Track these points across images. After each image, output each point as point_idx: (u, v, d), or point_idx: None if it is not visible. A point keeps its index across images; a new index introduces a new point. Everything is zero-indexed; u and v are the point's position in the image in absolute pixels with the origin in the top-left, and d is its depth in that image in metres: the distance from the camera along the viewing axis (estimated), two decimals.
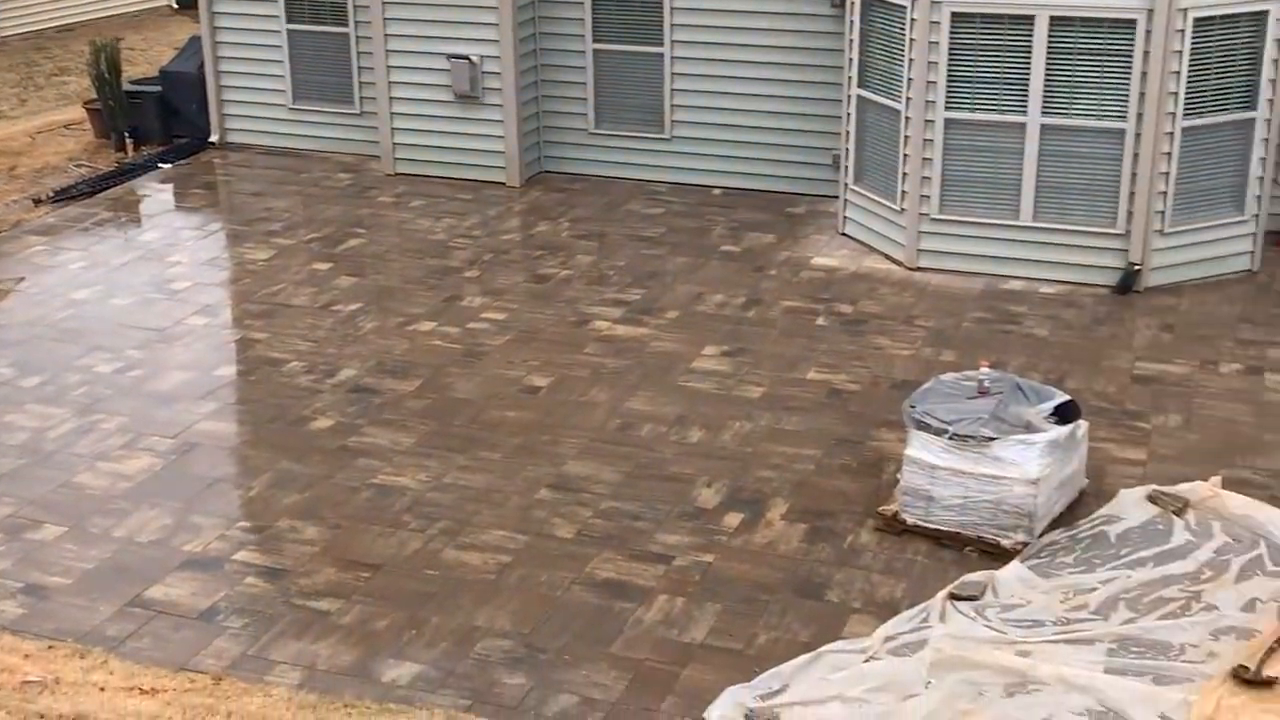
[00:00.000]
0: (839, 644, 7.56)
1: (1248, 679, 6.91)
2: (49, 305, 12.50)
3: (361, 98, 16.48)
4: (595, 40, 15.42)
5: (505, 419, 10.29)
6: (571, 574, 8.32)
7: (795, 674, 7.26)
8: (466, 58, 15.37)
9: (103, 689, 6.74)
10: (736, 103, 15.04)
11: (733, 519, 8.92)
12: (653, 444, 9.90)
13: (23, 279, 13.15)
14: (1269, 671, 6.98)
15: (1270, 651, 7.14)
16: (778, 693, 7.11)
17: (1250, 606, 7.75)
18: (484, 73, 15.40)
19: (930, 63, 12.35)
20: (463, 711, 7.05)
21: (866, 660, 7.34)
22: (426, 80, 15.67)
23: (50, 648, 7.49)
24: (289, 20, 16.60)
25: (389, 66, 15.74)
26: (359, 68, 16.38)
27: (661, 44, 15.15)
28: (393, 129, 15.95)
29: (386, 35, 15.64)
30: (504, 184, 15.64)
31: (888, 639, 7.57)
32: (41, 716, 5.96)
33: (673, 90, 15.29)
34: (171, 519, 8.94)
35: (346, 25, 16.31)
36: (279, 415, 10.40)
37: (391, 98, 15.84)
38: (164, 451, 9.83)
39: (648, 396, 10.63)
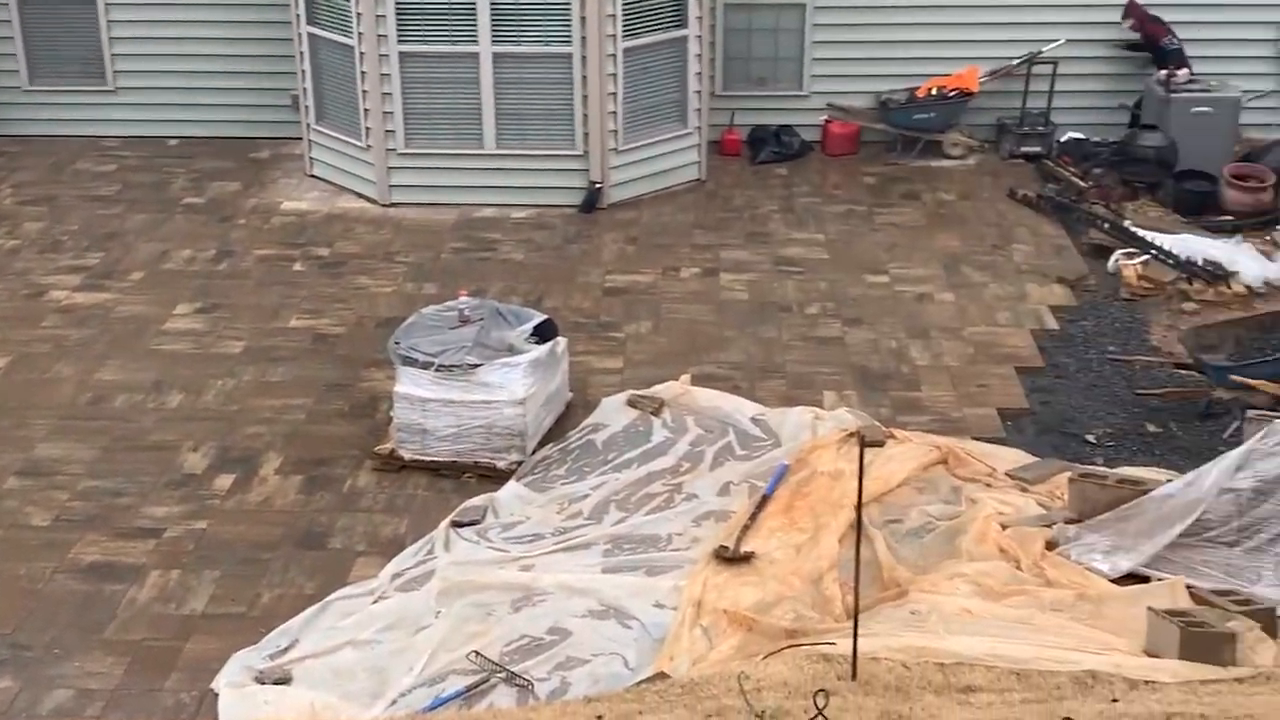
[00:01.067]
0: (346, 590, 7.54)
1: (728, 557, 7.49)
2: None
3: None
4: None
5: None
6: (53, 563, 7.79)
7: (304, 627, 7.18)
8: None
9: None
10: (182, 47, 14.34)
11: (224, 480, 8.65)
12: (129, 414, 9.40)
13: None
14: (746, 547, 7.60)
15: (745, 529, 7.78)
16: (287, 649, 7.01)
17: (725, 490, 8.40)
18: None
19: None
20: None
21: (375, 601, 7.37)
22: None
23: None
24: None
25: None
26: None
27: None
28: None
29: None
30: None
31: (395, 576, 7.63)
32: None
33: (111, 39, 14.36)
34: None
35: None
36: None
37: None
38: None
39: (119, 365, 10.06)
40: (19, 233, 12.40)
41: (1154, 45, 13.54)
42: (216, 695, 6.70)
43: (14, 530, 8.10)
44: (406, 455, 8.83)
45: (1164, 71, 13.27)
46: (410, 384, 8.79)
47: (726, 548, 7.57)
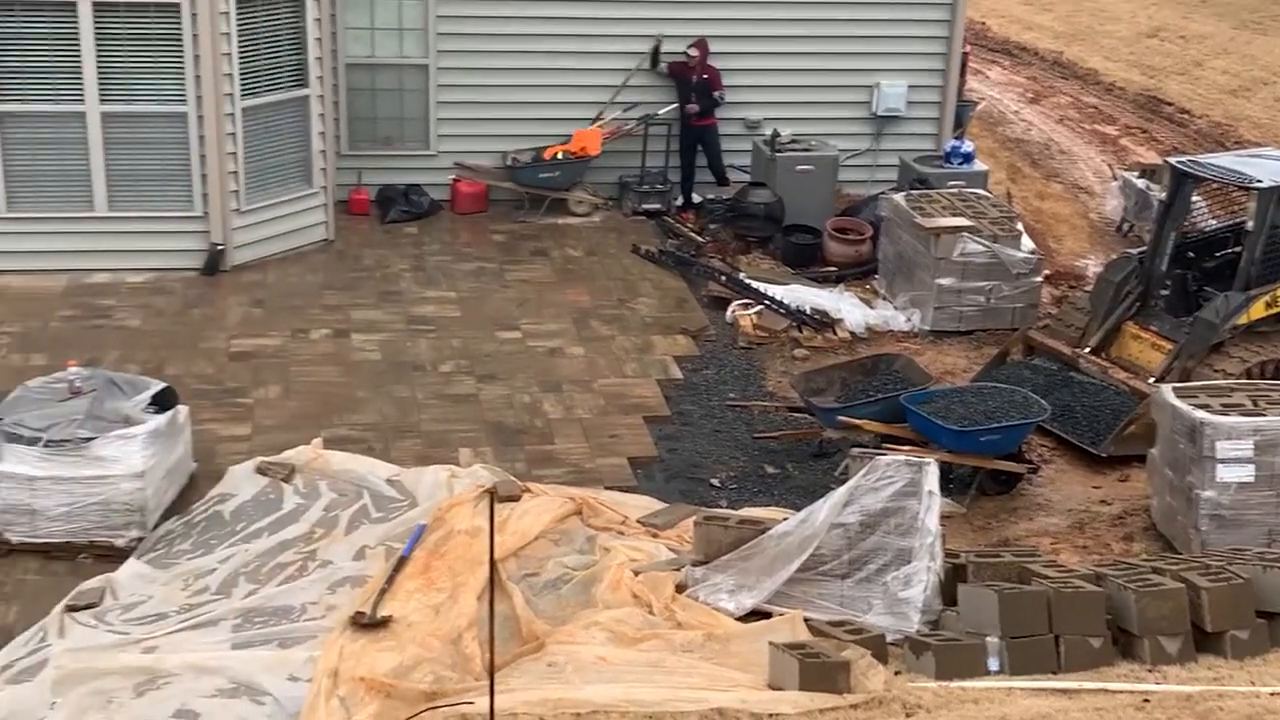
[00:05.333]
0: None
1: (365, 623, 7.39)
2: None
3: None
4: None
5: None
6: None
7: None
8: None
9: None
10: None
11: None
12: None
13: None
14: (384, 611, 7.52)
15: (383, 593, 7.70)
16: None
17: (361, 555, 8.29)
18: None
19: None
20: None
21: None
22: None
23: None
24: None
25: None
26: None
27: None
28: None
29: None
30: None
31: (4, 668, 7.14)
32: None
33: None
34: None
35: None
36: None
37: None
38: None
39: None
40: None
41: (694, 85, 14.13)
42: None
43: None
44: (13, 538, 8.31)
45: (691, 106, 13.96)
46: (15, 462, 8.28)
47: (363, 613, 7.47)
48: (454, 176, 14.30)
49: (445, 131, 14.36)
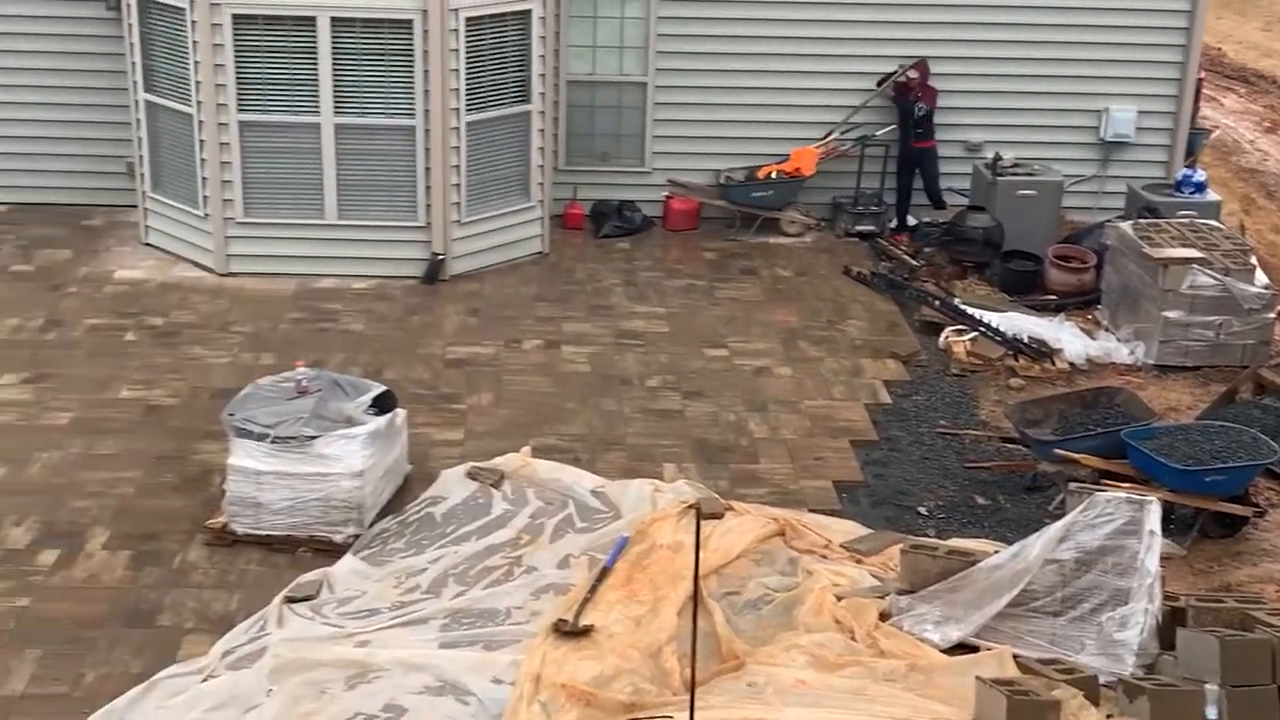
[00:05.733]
0: (174, 668, 7.34)
1: (567, 631, 7.48)
2: None
3: None
4: None
5: None
6: None
7: (129, 708, 6.96)
8: None
9: None
10: (13, 112, 13.94)
11: (48, 556, 8.35)
12: None
13: None
14: (585, 620, 7.60)
15: (585, 602, 7.78)
16: None
17: (565, 563, 8.39)
18: None
19: (217, 65, 12.15)
20: None
21: (205, 679, 7.18)
22: None
23: None
24: None
25: None
26: None
27: None
28: None
29: None
30: None
31: (225, 654, 7.45)
32: None
33: None
34: None
35: None
36: None
37: None
38: None
39: None
40: None
41: (912, 106, 13.94)
42: None
43: None
44: (240, 529, 8.65)
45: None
46: (245, 456, 8.63)
47: (565, 621, 7.56)
48: (667, 193, 14.41)
49: (660, 149, 14.49)
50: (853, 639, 7.33)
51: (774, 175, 14.06)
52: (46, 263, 12.91)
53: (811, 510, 9.16)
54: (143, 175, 13.16)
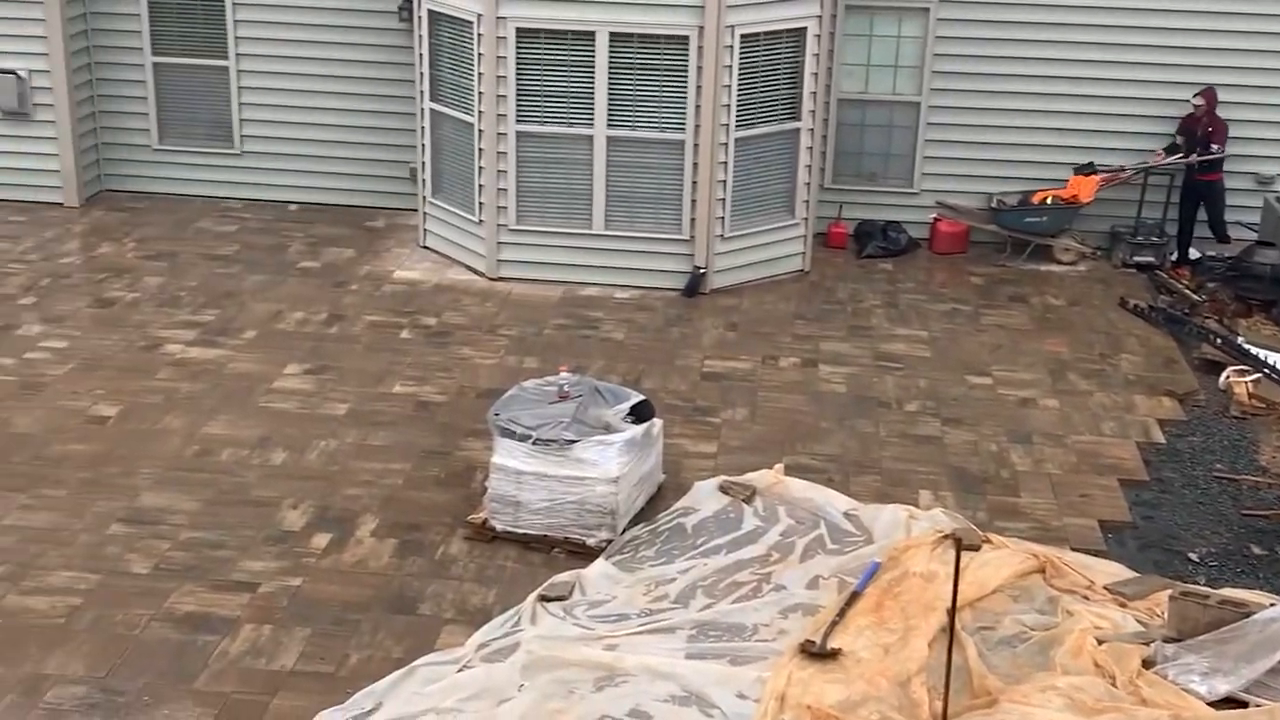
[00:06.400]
0: (432, 656, 7.58)
1: (814, 652, 7.41)
2: None
3: None
4: (155, 53, 14.77)
5: (71, 452, 9.70)
6: (149, 610, 7.93)
7: (388, 691, 7.22)
8: (13, 72, 14.38)
9: None
10: (309, 116, 14.79)
11: (321, 539, 8.77)
12: (234, 468, 9.59)
13: None
14: (833, 643, 7.51)
15: (833, 625, 7.69)
16: (370, 712, 7.04)
17: (814, 584, 8.31)
18: (33, 88, 14.46)
19: (499, 77, 12.57)
20: None
21: (460, 670, 7.39)
22: None
23: None
24: None
25: None
26: None
27: (226, 57, 14.70)
28: None
29: None
30: (61, 204, 14.73)
31: (480, 646, 7.65)
32: None
33: (241, 104, 14.86)
34: None
35: None
36: None
37: None
38: None
39: (227, 420, 10.29)
40: (139, 285, 12.79)
41: (1198, 137, 13.30)
42: None
43: (113, 577, 8.27)
44: (499, 526, 8.90)
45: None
46: (507, 456, 8.87)
47: (813, 642, 7.49)
48: (935, 215, 14.18)
49: (930, 170, 14.28)
50: (1113, 685, 7.02)
51: (1049, 201, 13.66)
52: (332, 260, 13.60)
53: (1074, 549, 8.83)
54: (424, 181, 13.72)
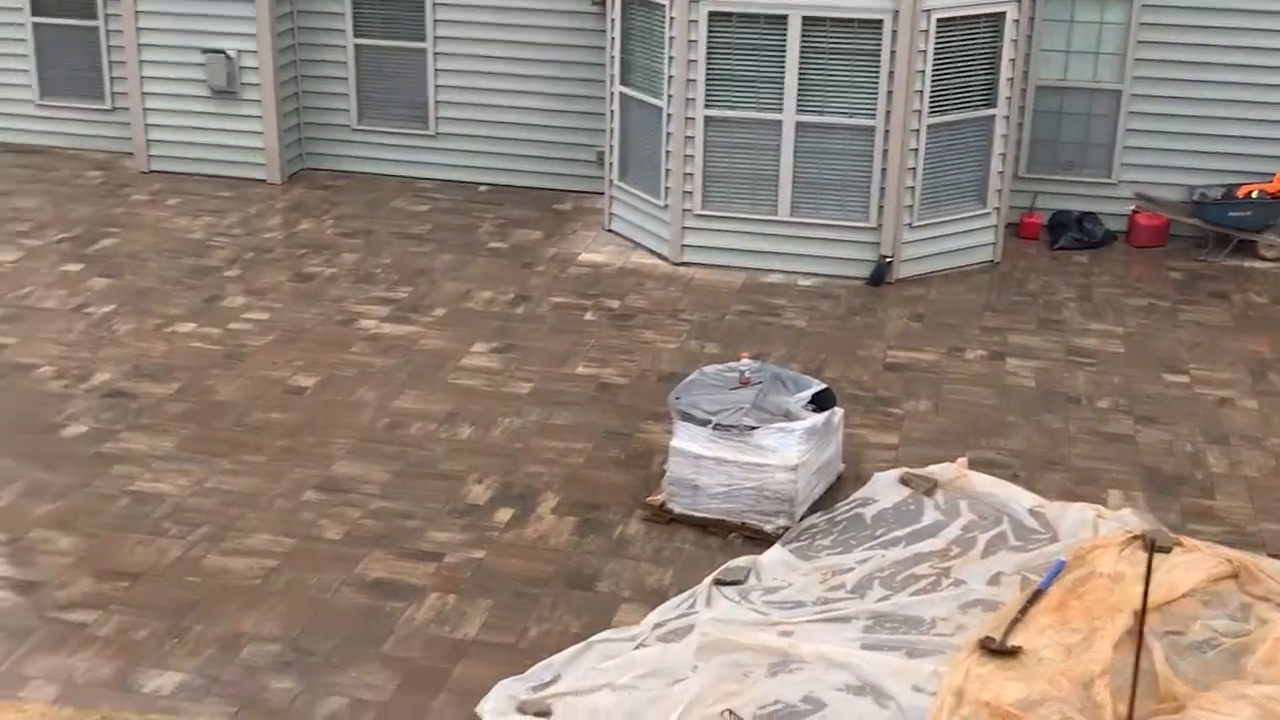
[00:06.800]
0: (609, 633, 7.69)
1: (994, 649, 7.29)
2: None
3: (113, 93, 15.89)
4: (357, 35, 15.23)
5: (270, 421, 10.10)
6: (341, 575, 8.23)
7: (566, 664, 7.35)
8: (223, 52, 14.98)
9: None
10: (502, 99, 15.07)
11: (504, 514, 8.96)
12: (422, 442, 9.86)
13: None
14: (1013, 641, 7.38)
15: (1014, 622, 7.55)
16: (549, 684, 7.19)
17: (995, 580, 8.17)
18: (242, 68, 15.04)
19: (690, 61, 12.62)
20: (229, 718, 6.91)
21: (636, 648, 7.49)
22: (181, 75, 15.20)
23: None
24: (34, 13, 15.89)
25: (141, 61, 15.21)
26: (110, 62, 15.79)
27: (424, 39, 15.07)
28: (146, 125, 15.42)
29: (139, 29, 15.10)
30: (265, 181, 15.31)
31: (656, 626, 7.73)
32: None
33: (437, 86, 15.22)
34: None
35: (96, 19, 15.72)
36: (28, 422, 9.97)
37: (144, 93, 15.32)
38: None
39: (417, 394, 10.58)
40: (336, 261, 13.21)
41: None
42: None
43: (307, 542, 8.59)
44: (676, 509, 8.96)
45: None
46: (687, 440, 8.93)
47: (993, 639, 7.36)
48: (1133, 208, 13.76)
49: (1130, 160, 13.85)
50: None
51: (1255, 195, 13.13)
52: (520, 242, 13.84)
53: (1271, 555, 8.50)
54: (611, 164, 13.86)
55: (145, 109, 15.34)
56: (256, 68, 14.98)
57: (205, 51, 15.01)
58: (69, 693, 7.09)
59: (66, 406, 10.21)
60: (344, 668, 7.39)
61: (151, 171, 15.50)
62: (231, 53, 14.98)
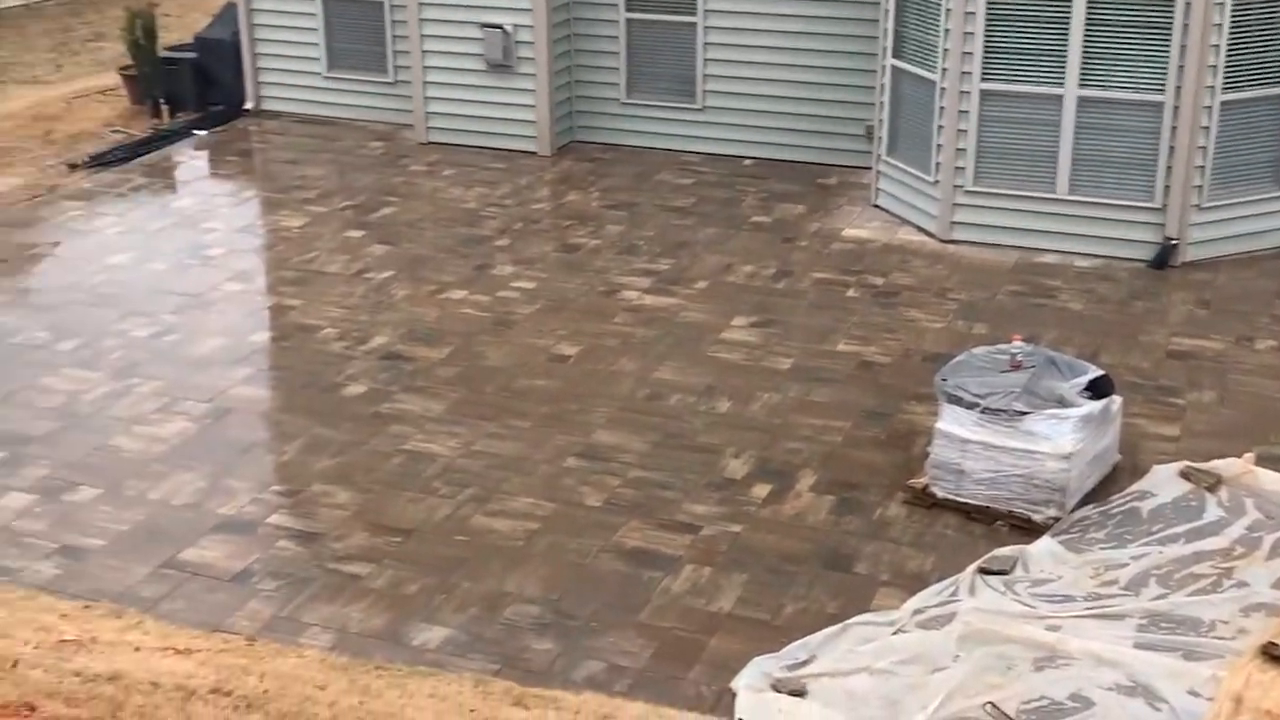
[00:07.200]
0: (867, 616, 7.57)
1: (1277, 655, 6.87)
2: (85, 270, 12.58)
3: (395, 66, 16.49)
4: (628, 9, 15.37)
5: (534, 387, 10.32)
6: (599, 542, 8.34)
7: (823, 645, 7.27)
8: (500, 26, 15.34)
9: (138, 649, 6.81)
10: (769, 73, 14.98)
11: (761, 490, 8.92)
12: (681, 414, 9.91)
13: (58, 244, 13.23)
14: None
15: None
16: (805, 663, 7.13)
17: None
18: (517, 42, 15.37)
19: (966, 33, 12.25)
20: (491, 675, 7.10)
21: (895, 633, 7.35)
22: (460, 49, 15.65)
23: (86, 608, 7.57)
24: None
25: (423, 35, 15.73)
26: (393, 36, 16.38)
27: (694, 13, 15.10)
28: (426, 98, 15.95)
29: (420, 4, 15.62)
30: (535, 153, 15.64)
31: (916, 612, 7.57)
32: (78, 675, 6.02)
33: (705, 60, 15.23)
34: (206, 482, 9.01)
35: None
36: (312, 381, 10.45)
37: (425, 66, 15.84)
38: (199, 416, 9.90)
39: (676, 366, 10.63)
40: (601, 233, 13.39)
41: None
42: (734, 695, 6.90)
43: (568, 507, 8.74)
44: (939, 493, 8.75)
45: None
46: (953, 422, 8.69)
47: (1277, 645, 6.94)
48: None
49: None
50: None
51: None
52: (783, 216, 13.75)
53: None
54: (880, 139, 13.60)
55: (425, 82, 15.87)
56: (531, 42, 15.29)
57: (483, 26, 15.41)
58: (343, 641, 7.41)
59: (347, 367, 10.66)
60: (601, 633, 7.50)
61: (429, 143, 16.03)
62: (508, 27, 15.32)
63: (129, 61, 17.60)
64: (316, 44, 16.81)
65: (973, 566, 7.93)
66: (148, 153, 15.97)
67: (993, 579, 7.80)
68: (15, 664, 6.05)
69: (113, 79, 18.58)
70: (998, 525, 8.52)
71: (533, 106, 15.51)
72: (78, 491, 8.90)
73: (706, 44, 15.16)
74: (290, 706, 5.95)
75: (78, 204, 14.33)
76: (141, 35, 17.12)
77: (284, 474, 9.16)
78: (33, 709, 5.52)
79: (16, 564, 8.08)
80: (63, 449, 9.42)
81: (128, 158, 15.75)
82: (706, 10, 15.02)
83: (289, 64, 17.05)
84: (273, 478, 9.11)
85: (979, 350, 9.33)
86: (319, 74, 16.95)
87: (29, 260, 12.85)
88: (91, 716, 5.50)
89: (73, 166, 15.45)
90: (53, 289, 12.18)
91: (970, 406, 8.62)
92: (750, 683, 6.95)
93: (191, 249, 13.08)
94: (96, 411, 9.96)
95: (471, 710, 6.34)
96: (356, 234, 13.44)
